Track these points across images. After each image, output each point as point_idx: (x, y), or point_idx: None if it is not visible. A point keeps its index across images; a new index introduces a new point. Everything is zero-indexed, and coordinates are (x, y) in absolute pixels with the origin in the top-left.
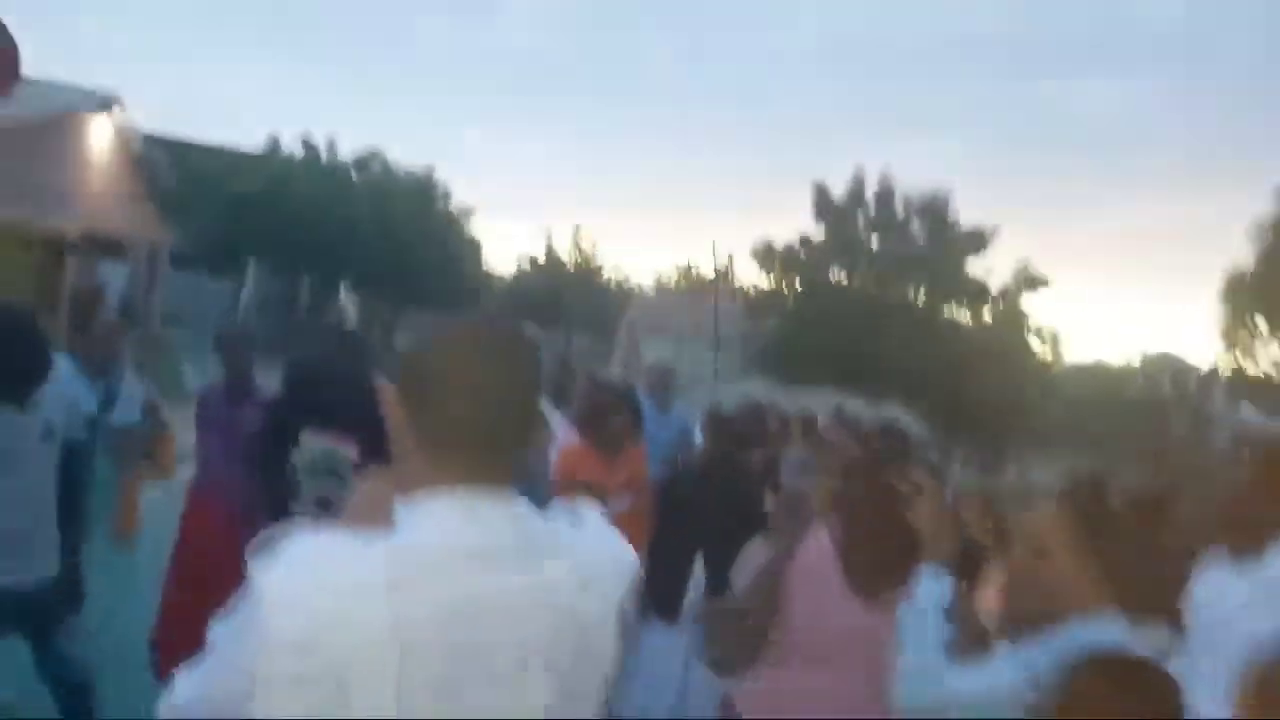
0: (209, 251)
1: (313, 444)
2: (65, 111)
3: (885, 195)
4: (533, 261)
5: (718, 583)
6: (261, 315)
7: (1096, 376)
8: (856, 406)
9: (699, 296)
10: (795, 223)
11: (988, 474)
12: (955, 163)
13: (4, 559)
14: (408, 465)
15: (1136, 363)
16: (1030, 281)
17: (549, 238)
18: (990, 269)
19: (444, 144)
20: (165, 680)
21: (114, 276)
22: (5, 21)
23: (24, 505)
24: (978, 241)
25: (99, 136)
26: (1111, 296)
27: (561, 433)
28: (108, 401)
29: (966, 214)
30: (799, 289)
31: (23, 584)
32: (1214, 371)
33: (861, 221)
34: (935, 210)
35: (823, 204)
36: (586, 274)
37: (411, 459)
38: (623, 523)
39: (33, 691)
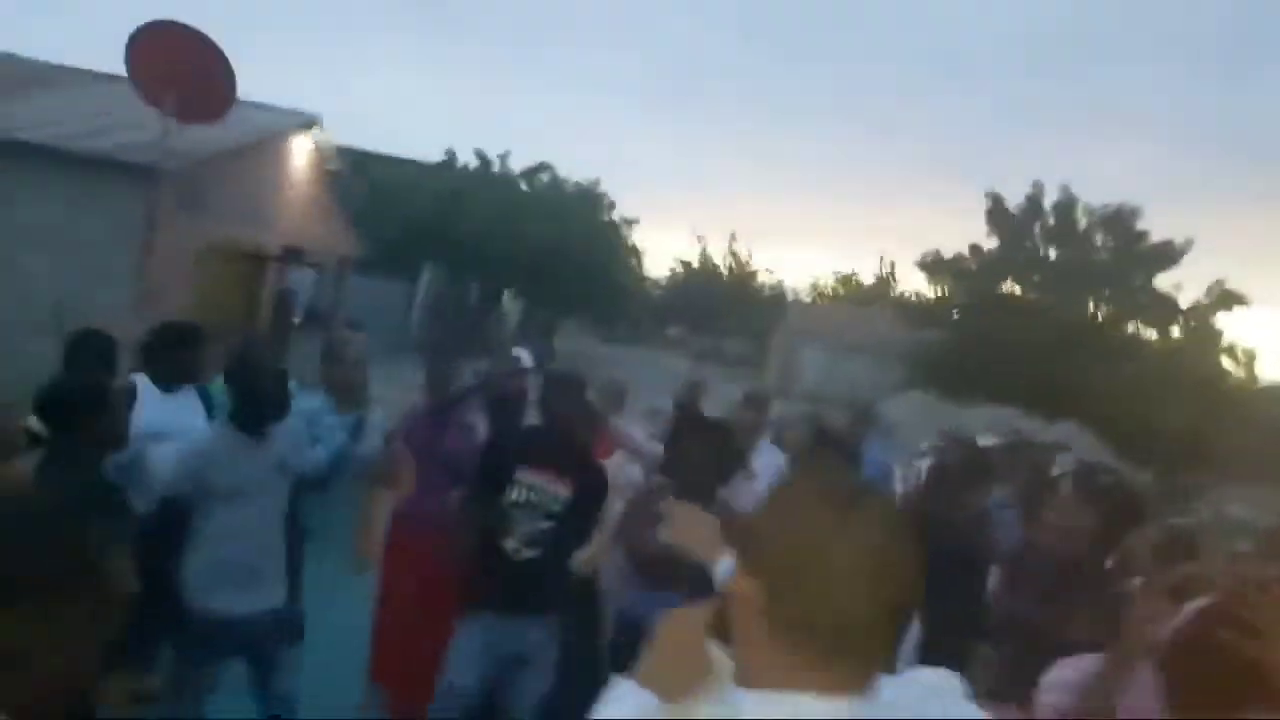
0: (387, 258)
1: (528, 481)
2: (271, 133)
3: (1066, 205)
4: (687, 267)
5: (937, 646)
6: (432, 319)
7: None
8: (1029, 427)
9: (858, 306)
10: (965, 232)
11: (1180, 509)
12: (1149, 172)
13: (236, 590)
14: (750, 645)
15: None
16: (1226, 299)
17: (704, 244)
18: (1180, 285)
19: (608, 152)
20: (391, 710)
21: (302, 284)
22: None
23: (257, 537)
24: (1168, 256)
25: (299, 155)
26: None
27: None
28: (357, 431)
29: (1159, 227)
30: (967, 300)
31: (252, 615)
32: None
33: (1039, 231)
34: (1121, 222)
35: (997, 212)
36: (742, 280)
37: (756, 643)
38: None
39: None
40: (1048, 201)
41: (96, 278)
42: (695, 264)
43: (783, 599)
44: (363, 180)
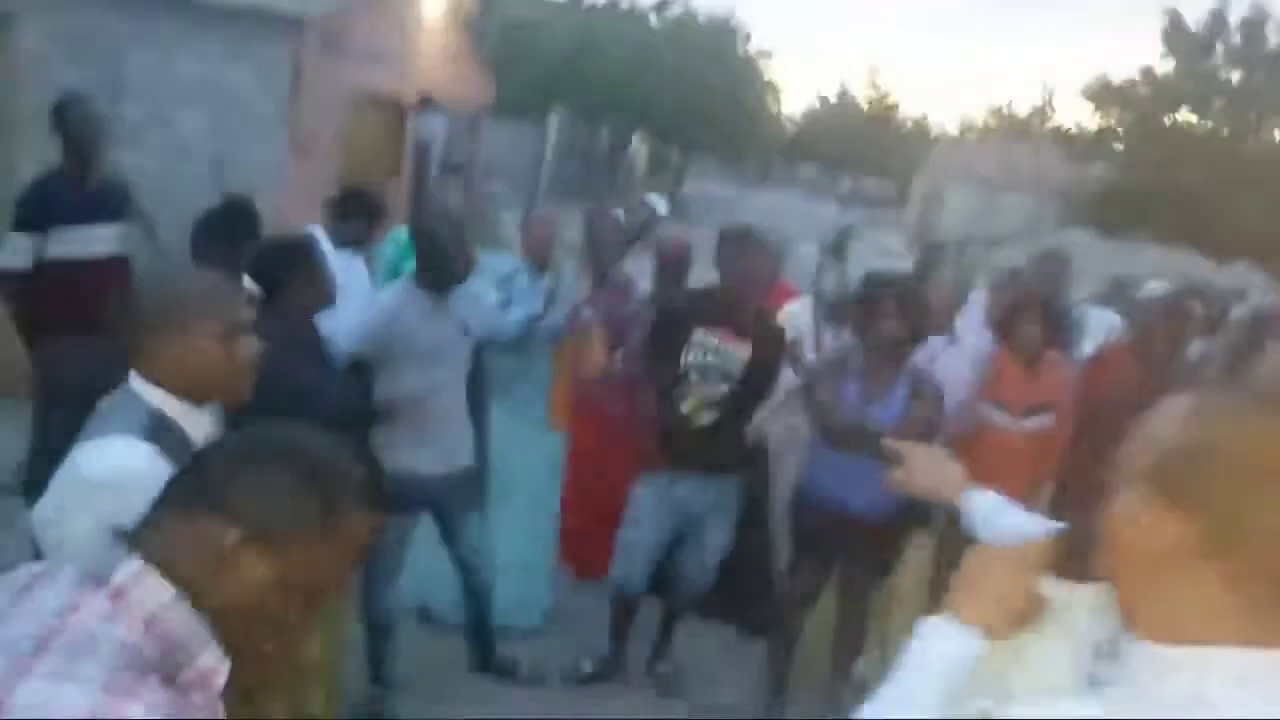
0: (519, 102)
1: (706, 343)
2: None
3: (1256, 21)
4: (824, 102)
5: None
6: (564, 164)
7: None
8: (1200, 270)
9: (1010, 140)
10: (1138, 57)
11: None
12: None
13: (423, 448)
14: (1167, 591)
15: None
16: None
17: (843, 79)
18: None
19: None
20: (575, 574)
21: (436, 133)
22: None
23: (442, 398)
24: None
25: None
26: None
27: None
28: (551, 296)
29: None
30: (1135, 130)
31: (439, 474)
32: None
33: (1221, 52)
34: None
35: (1174, 32)
36: (883, 116)
37: (1179, 589)
38: (1036, 449)
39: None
40: (1234, 18)
41: (249, 129)
42: (833, 99)
43: (1235, 545)
44: (493, 21)
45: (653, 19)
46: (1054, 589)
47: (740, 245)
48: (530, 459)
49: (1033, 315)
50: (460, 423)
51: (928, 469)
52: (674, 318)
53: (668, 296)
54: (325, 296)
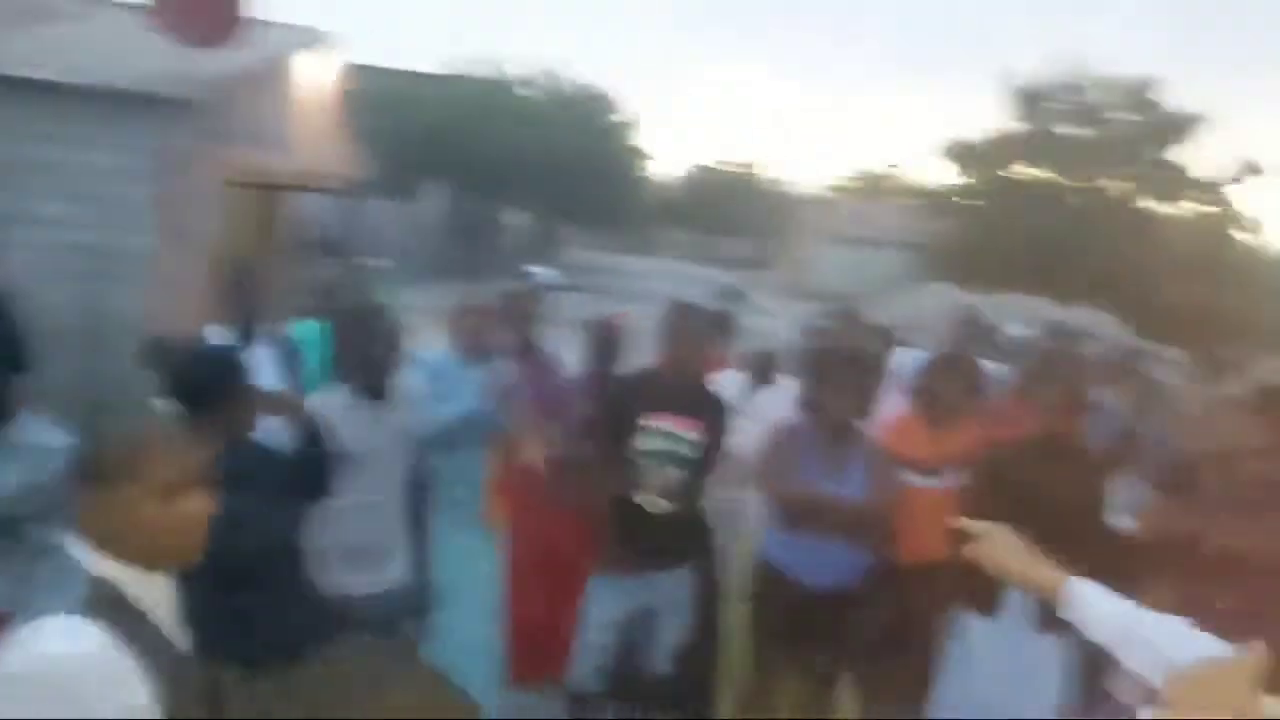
0: (389, 177)
1: (658, 428)
2: (283, 52)
3: (1078, 83)
4: (692, 167)
5: None
6: (442, 238)
7: None
8: (1052, 314)
9: (870, 199)
10: (980, 118)
11: (1208, 382)
12: (1161, 44)
13: (357, 569)
14: None
15: None
16: (1242, 170)
17: (708, 144)
18: (1195, 158)
19: (605, 53)
20: (520, 681)
21: (319, 212)
22: None
23: (376, 509)
24: (1183, 129)
25: (309, 75)
26: None
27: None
28: (487, 386)
29: (1171, 99)
30: (980, 186)
31: (376, 595)
32: None
33: (1053, 112)
34: (1135, 95)
35: (1011, 93)
36: (748, 178)
37: None
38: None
39: None
40: (1063, 79)
41: (117, 218)
42: (699, 164)
43: None
44: (367, 97)
45: (521, 91)
46: (1272, 706)
47: (687, 322)
48: (469, 564)
49: (946, 375)
50: (395, 536)
51: (1012, 552)
52: (622, 403)
53: (614, 381)
54: (253, 417)
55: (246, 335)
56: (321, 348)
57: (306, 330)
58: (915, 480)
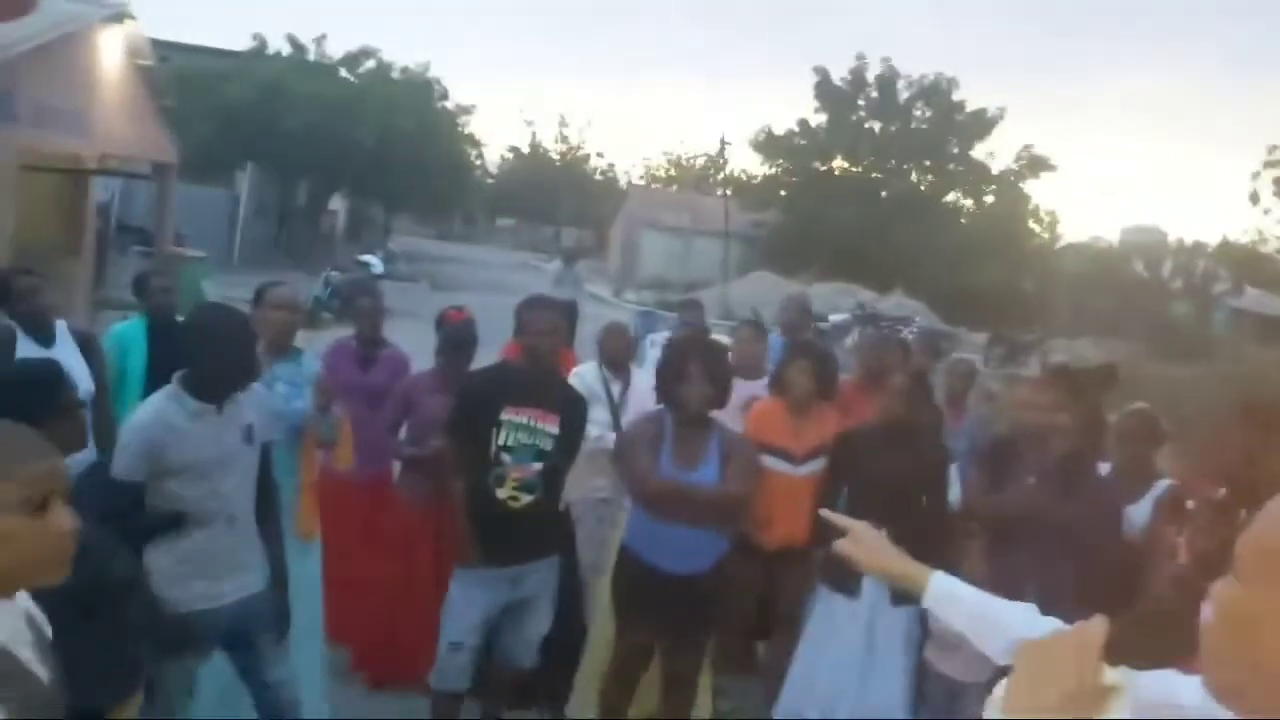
0: (201, 161)
1: (516, 422)
2: (78, 27)
3: (888, 78)
4: (518, 154)
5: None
6: (259, 224)
7: (1091, 255)
8: (868, 300)
9: (693, 188)
10: (795, 110)
11: (1011, 364)
12: (964, 42)
13: (207, 580)
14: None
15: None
16: (1034, 165)
17: (534, 130)
18: (993, 153)
19: (423, 37)
20: (378, 684)
21: (119, 195)
22: None
23: (227, 518)
24: (982, 125)
25: (109, 51)
26: (1109, 167)
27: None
28: (298, 384)
29: (974, 97)
30: (796, 178)
31: (227, 606)
32: (1198, 245)
33: (863, 105)
34: (939, 93)
35: (824, 87)
36: (574, 166)
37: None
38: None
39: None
40: (870, 74)
41: None
42: (525, 151)
43: None
44: (170, 73)
45: (343, 72)
46: (1114, 675)
47: (544, 315)
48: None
49: (801, 364)
50: (246, 545)
51: (879, 548)
52: (479, 399)
53: (469, 376)
54: (83, 435)
55: (40, 334)
56: (147, 347)
57: (129, 330)
58: (780, 467)
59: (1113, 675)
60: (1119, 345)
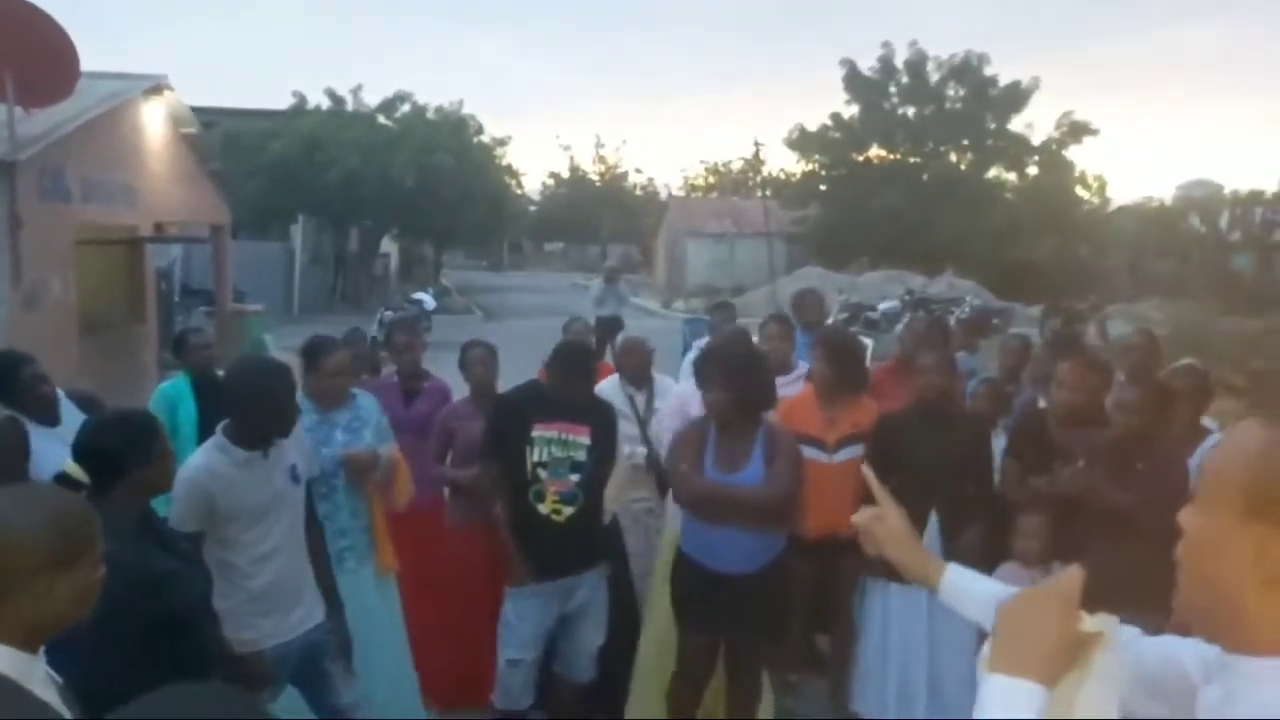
0: (255, 218)
1: (547, 437)
2: (119, 103)
3: (917, 61)
4: (557, 178)
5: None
6: (315, 273)
7: (1145, 216)
8: (918, 285)
9: (733, 193)
10: (827, 104)
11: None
12: (989, 17)
13: (274, 617)
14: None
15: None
16: (1075, 131)
17: (571, 153)
18: (1031, 124)
19: (454, 74)
20: (447, 706)
21: (180, 260)
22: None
23: (283, 556)
24: (1017, 98)
25: (153, 122)
26: (1156, 124)
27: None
28: (353, 430)
29: (1006, 70)
30: (834, 172)
31: (295, 639)
32: (1254, 194)
33: (894, 91)
34: (970, 70)
35: (853, 78)
36: (614, 184)
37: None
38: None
39: None
40: (899, 60)
41: None
42: (565, 175)
43: None
44: (217, 139)
45: (381, 118)
46: (1093, 623)
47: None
48: (372, 602)
49: (818, 353)
50: (304, 580)
51: (899, 535)
52: (509, 418)
53: (498, 397)
54: (171, 479)
55: (45, 417)
56: (196, 403)
57: (173, 388)
58: (814, 455)
59: (1093, 622)
60: (1184, 305)
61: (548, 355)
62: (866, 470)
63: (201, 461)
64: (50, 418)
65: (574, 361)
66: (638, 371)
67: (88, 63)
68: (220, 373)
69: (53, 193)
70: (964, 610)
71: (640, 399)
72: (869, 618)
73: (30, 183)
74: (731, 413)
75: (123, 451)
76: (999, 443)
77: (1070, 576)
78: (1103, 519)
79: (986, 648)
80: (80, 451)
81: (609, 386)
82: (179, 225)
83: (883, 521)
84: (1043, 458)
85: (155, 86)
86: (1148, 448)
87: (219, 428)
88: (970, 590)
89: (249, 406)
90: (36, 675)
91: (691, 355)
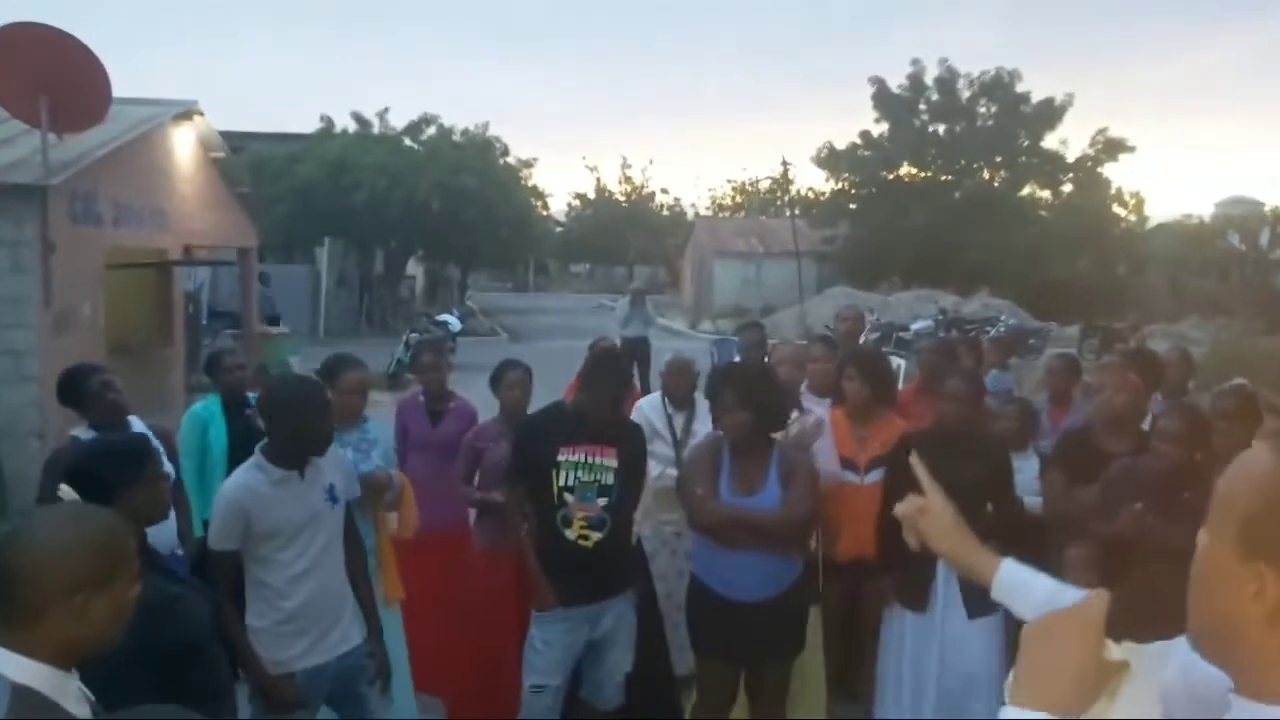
0: (282, 241)
1: (574, 460)
2: (150, 128)
3: (947, 79)
4: (583, 199)
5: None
6: (341, 296)
7: (1183, 234)
8: (950, 304)
9: (758, 212)
10: (857, 123)
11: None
12: (1021, 34)
13: (310, 638)
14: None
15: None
16: (1110, 148)
17: (597, 174)
18: (1065, 141)
19: (480, 97)
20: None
21: (208, 283)
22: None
23: (321, 576)
24: (1051, 114)
25: (183, 147)
26: (1190, 142)
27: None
28: (368, 451)
29: (1039, 87)
30: (863, 190)
31: (331, 661)
32: None
33: (924, 109)
34: (1002, 87)
35: (882, 96)
36: (640, 205)
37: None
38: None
39: None
40: (929, 78)
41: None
42: (591, 195)
43: None
44: (245, 163)
45: (407, 141)
46: (1119, 651)
47: (601, 360)
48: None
49: (849, 372)
50: (341, 601)
51: (950, 528)
52: (534, 442)
53: (522, 421)
54: (164, 505)
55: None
56: (227, 423)
57: (204, 409)
58: (845, 477)
59: (1118, 651)
60: (1224, 323)
61: (574, 376)
62: (914, 461)
63: (240, 480)
64: (119, 425)
65: (608, 365)
66: (682, 392)
67: (119, 89)
68: (251, 394)
69: (84, 217)
70: (1018, 609)
71: (679, 420)
72: (888, 645)
73: (62, 207)
74: (750, 434)
75: (110, 474)
76: (1028, 462)
77: (1093, 602)
78: (1152, 546)
79: (1013, 674)
80: (70, 473)
81: (649, 404)
82: (208, 248)
83: (928, 513)
84: (1088, 467)
85: (185, 112)
86: (1194, 474)
87: (258, 447)
88: (1029, 585)
89: (286, 425)
90: (70, 692)
91: None
